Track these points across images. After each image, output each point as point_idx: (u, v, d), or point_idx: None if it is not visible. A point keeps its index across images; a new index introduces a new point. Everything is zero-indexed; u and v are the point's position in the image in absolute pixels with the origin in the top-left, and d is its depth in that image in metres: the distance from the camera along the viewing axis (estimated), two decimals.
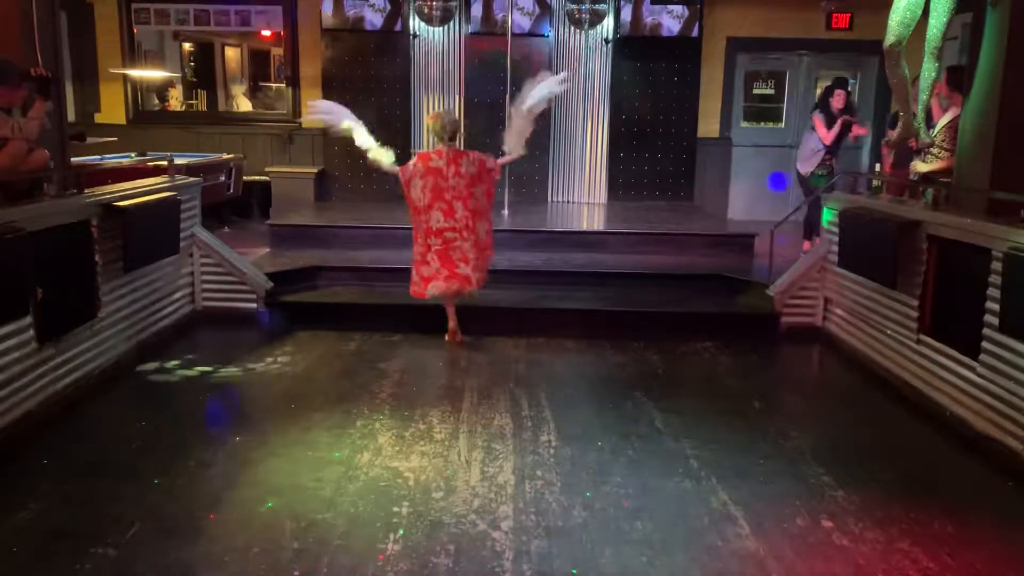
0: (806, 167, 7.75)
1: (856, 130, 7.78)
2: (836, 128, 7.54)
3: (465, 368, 5.05)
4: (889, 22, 5.04)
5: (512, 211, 8.38)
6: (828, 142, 7.58)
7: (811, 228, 7.60)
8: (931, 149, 5.66)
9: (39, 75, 4.43)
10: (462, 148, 5.79)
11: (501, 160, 5.50)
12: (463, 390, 4.61)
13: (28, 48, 4.74)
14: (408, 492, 3.30)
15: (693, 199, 9.81)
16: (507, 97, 8.35)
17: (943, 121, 5.64)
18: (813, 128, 7.67)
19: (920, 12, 4.96)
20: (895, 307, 4.79)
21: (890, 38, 5.05)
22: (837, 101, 7.58)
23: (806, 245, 7.62)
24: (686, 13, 9.31)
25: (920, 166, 5.77)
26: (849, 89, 7.91)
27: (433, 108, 9.33)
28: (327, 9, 9.18)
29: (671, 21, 9.34)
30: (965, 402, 4.05)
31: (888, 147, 6.88)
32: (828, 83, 8.07)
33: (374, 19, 9.24)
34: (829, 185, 6.76)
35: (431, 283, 5.31)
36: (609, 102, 9.62)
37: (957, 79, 5.37)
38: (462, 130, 5.52)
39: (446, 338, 5.50)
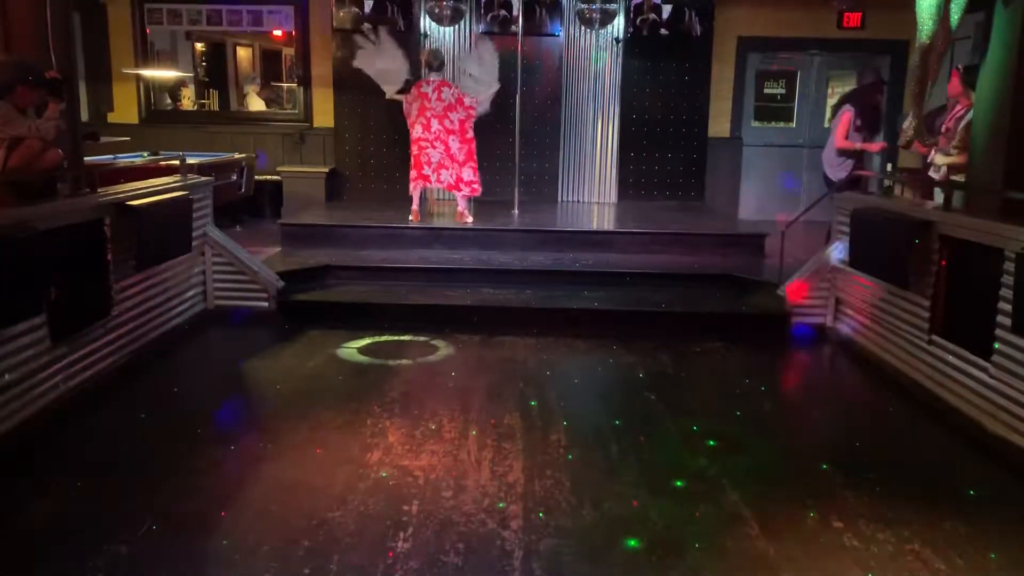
0: (837, 172, 7.00)
1: (869, 146, 7.02)
2: (870, 144, 6.79)
3: (475, 367, 5.06)
4: (920, 23, 4.98)
5: (522, 210, 8.38)
6: (838, 145, 6.94)
7: None
8: (950, 147, 5.64)
9: (52, 78, 4.47)
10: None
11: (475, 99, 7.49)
12: (473, 389, 4.61)
13: (42, 48, 4.78)
14: (418, 491, 3.31)
15: (704, 199, 9.79)
16: (517, 96, 8.36)
17: (963, 120, 5.61)
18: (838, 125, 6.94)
19: (943, 7, 4.92)
20: (906, 307, 4.77)
21: (923, 36, 4.99)
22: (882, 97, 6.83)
23: None
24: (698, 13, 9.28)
25: (940, 159, 5.74)
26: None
27: None
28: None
29: (681, 20, 9.31)
30: (977, 403, 4.03)
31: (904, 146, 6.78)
32: (862, 71, 7.33)
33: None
34: (842, 185, 6.60)
35: (414, 183, 7.54)
36: (619, 101, 9.61)
37: (972, 79, 5.34)
38: (446, 65, 7.69)
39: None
